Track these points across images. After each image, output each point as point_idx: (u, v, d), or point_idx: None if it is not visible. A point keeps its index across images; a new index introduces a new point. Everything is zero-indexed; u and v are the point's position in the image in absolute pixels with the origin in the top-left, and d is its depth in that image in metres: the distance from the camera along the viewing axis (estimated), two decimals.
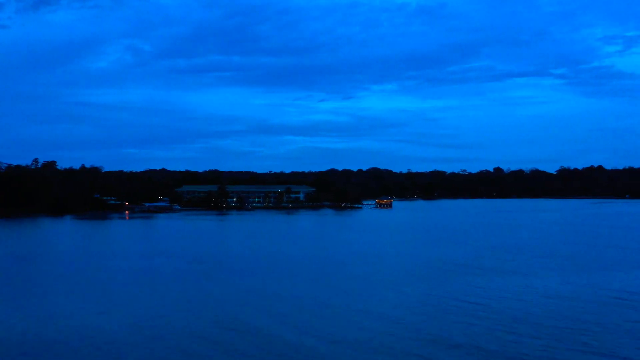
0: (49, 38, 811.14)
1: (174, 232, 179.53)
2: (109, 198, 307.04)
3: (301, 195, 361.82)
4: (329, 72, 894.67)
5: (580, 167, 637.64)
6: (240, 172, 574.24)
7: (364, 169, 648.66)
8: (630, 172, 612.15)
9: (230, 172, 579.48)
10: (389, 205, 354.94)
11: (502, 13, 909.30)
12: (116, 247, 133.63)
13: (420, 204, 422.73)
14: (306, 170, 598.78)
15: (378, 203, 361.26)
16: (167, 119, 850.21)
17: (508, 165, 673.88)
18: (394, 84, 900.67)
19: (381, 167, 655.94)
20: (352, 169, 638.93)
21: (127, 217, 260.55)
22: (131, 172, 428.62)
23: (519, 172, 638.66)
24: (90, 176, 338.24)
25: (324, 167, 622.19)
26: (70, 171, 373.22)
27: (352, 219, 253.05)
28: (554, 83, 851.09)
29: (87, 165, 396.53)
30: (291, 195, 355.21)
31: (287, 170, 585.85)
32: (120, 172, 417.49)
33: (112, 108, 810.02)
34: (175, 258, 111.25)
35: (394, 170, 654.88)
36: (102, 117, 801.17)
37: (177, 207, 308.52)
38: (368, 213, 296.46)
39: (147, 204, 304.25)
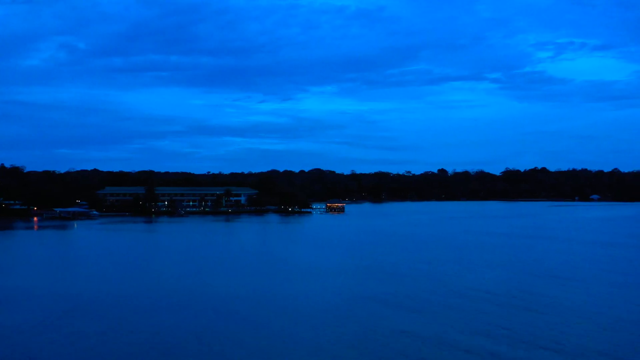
0: None
1: (79, 251, 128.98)
2: (12, 202, 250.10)
3: (242, 199, 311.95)
4: (269, 73, 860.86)
5: (521, 169, 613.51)
6: (176, 172, 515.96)
7: (306, 170, 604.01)
8: (573, 174, 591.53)
9: (167, 173, 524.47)
10: (341, 210, 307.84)
11: (440, 18, 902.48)
12: None
13: (370, 208, 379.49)
14: (246, 172, 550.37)
15: (329, 207, 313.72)
16: (103, 119, 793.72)
17: (450, 167, 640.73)
18: (333, 86, 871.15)
19: (323, 168, 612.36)
20: (293, 170, 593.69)
21: (35, 227, 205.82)
22: (53, 172, 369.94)
23: (465, 174, 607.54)
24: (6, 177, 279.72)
25: (265, 169, 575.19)
26: None
27: (304, 228, 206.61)
28: (488, 87, 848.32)
29: (8, 165, 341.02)
30: (231, 199, 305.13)
31: (227, 172, 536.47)
32: (47, 172, 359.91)
33: (45, 107, 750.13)
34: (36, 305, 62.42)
35: (337, 172, 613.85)
36: (33, 117, 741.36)
37: (95, 212, 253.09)
38: (320, 219, 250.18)
39: (58, 210, 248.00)
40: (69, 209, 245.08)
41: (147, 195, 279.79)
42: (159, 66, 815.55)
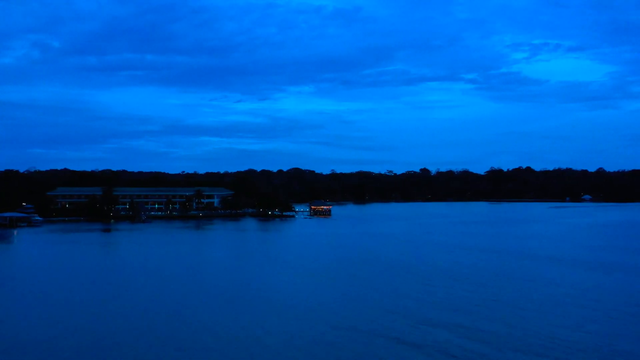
0: None
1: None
2: None
3: (216, 201, 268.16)
4: (245, 73, 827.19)
5: (504, 169, 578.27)
6: (149, 172, 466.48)
7: (285, 169, 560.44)
8: (559, 173, 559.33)
9: (140, 172, 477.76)
10: (328, 214, 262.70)
11: (416, 18, 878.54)
12: None
13: (357, 210, 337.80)
14: (222, 172, 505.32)
15: (313, 210, 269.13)
16: (77, 118, 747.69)
17: (430, 167, 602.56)
18: (310, 86, 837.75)
19: (302, 168, 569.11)
20: (271, 169, 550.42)
21: None
22: (16, 171, 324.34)
23: (449, 173, 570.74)
24: None
25: (242, 168, 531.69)
26: None
27: (290, 238, 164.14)
28: (464, 88, 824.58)
29: None
30: (203, 201, 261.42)
31: (202, 172, 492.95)
32: (9, 172, 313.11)
33: (18, 106, 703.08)
34: None
35: (316, 172, 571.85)
36: (5, 116, 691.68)
37: (38, 218, 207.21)
38: (306, 225, 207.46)
39: None
40: (6, 214, 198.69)
41: (105, 197, 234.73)
42: (134, 65, 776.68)
